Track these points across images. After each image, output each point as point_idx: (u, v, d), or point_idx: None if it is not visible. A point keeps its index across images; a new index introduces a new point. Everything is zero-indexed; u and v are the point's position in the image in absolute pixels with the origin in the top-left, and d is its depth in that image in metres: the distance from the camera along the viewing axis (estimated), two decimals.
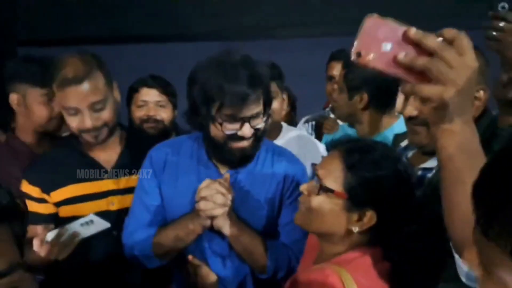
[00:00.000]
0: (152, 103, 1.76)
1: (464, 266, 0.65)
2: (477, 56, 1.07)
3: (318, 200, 0.87)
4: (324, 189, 0.86)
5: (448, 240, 0.66)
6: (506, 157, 0.43)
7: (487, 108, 1.11)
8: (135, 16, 3.88)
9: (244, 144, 1.06)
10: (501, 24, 1.05)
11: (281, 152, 1.25)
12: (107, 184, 1.29)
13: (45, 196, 1.26)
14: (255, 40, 4.55)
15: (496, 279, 0.40)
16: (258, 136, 1.08)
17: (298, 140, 1.63)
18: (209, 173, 1.15)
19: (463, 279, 0.66)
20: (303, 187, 0.93)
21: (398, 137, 1.34)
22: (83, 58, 1.21)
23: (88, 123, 1.20)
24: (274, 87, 1.54)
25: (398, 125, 1.42)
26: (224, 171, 1.16)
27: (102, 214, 1.21)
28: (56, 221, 1.27)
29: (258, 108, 1.05)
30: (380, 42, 0.55)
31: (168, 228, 1.16)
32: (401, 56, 0.54)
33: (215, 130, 1.06)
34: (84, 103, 1.18)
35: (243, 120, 1.03)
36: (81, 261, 1.22)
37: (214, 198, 1.02)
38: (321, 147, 1.67)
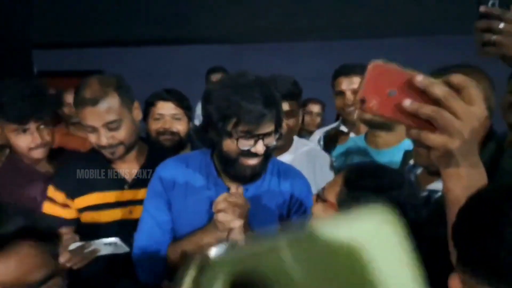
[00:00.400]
0: (168, 116, 1.81)
1: None
2: (481, 79, 1.07)
3: (316, 208, 0.96)
4: (321, 198, 0.94)
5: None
6: (477, 202, 0.54)
7: (493, 130, 1.11)
8: (148, 19, 3.93)
9: (255, 161, 1.11)
10: (501, 25, 0.90)
11: (287, 170, 1.30)
12: (127, 195, 1.38)
13: (69, 201, 1.36)
14: (265, 43, 4.59)
15: None
16: (267, 154, 1.13)
17: (308, 155, 1.66)
18: (218, 190, 1.18)
19: None
20: (314, 196, 1.01)
21: (407, 154, 1.35)
22: (101, 80, 1.31)
23: (104, 140, 1.30)
24: (294, 105, 1.58)
25: (408, 142, 1.45)
26: (234, 187, 1.17)
27: (121, 222, 1.33)
28: (78, 226, 1.37)
29: (271, 127, 1.09)
30: (385, 89, 0.54)
31: (182, 243, 1.19)
32: (407, 103, 0.53)
33: (228, 146, 1.09)
34: (99, 122, 1.28)
35: (258, 138, 1.07)
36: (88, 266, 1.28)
37: (232, 210, 1.05)
38: (329, 161, 1.69)
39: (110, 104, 1.28)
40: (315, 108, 2.76)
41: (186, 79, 3.98)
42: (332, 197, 0.92)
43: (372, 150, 1.61)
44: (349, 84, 1.93)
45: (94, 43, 4.44)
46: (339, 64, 2.08)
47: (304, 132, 2.82)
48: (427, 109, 0.53)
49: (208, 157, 1.23)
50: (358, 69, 1.92)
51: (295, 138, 1.73)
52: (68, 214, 1.36)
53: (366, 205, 0.83)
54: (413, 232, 0.85)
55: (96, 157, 1.39)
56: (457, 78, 0.54)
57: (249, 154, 1.09)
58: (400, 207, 0.81)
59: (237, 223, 1.07)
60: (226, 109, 1.05)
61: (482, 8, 0.92)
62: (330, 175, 1.62)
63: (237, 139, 1.06)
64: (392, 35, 4.38)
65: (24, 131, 1.41)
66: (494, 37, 0.91)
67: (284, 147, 1.63)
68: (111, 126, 1.29)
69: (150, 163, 1.40)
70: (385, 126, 1.53)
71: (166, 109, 1.82)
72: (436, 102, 0.53)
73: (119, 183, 1.38)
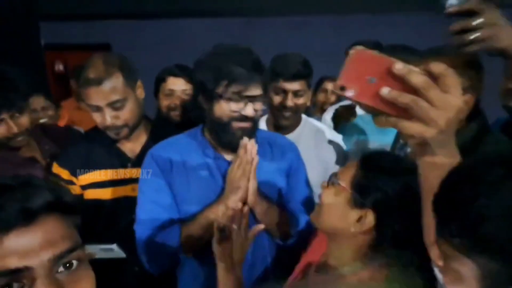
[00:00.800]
0: (179, 92, 1.79)
1: (439, 274, 0.68)
2: (470, 64, 1.02)
3: (327, 193, 0.95)
4: (333, 181, 0.94)
5: None
6: (460, 173, 0.58)
7: (480, 111, 1.09)
8: None
9: (246, 125, 1.15)
10: (478, 20, 0.80)
11: (274, 139, 1.35)
12: (130, 172, 1.39)
13: (73, 178, 1.37)
14: (277, 16, 4.47)
15: (452, 270, 0.59)
16: (256, 119, 1.18)
17: (315, 134, 1.68)
18: (218, 163, 1.22)
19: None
20: (322, 184, 0.99)
21: (399, 134, 1.37)
22: (106, 59, 1.31)
23: (108, 120, 1.31)
24: (303, 85, 1.57)
25: None
26: (230, 158, 1.22)
27: (124, 199, 1.35)
28: (82, 203, 1.37)
29: (259, 91, 1.14)
30: (364, 76, 0.53)
31: (195, 222, 1.17)
32: (385, 91, 0.52)
33: (220, 109, 1.14)
34: (103, 102, 1.29)
35: (247, 100, 1.12)
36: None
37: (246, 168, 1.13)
38: (337, 140, 1.70)
39: (114, 84, 1.28)
40: (330, 85, 2.68)
41: (195, 53, 3.91)
42: (346, 179, 0.92)
43: (378, 129, 1.62)
44: None
45: (102, 16, 4.36)
46: (354, 39, 2.02)
47: (317, 110, 2.76)
48: (404, 98, 0.52)
49: (199, 134, 1.26)
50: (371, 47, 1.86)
51: (303, 117, 1.72)
52: (72, 190, 1.36)
53: (380, 189, 0.84)
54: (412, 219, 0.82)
55: (100, 136, 1.39)
56: (435, 67, 0.53)
57: (239, 117, 1.14)
58: (414, 191, 0.81)
59: (252, 184, 1.13)
60: (218, 73, 1.11)
61: (449, 9, 0.82)
62: (335, 154, 1.64)
63: (229, 100, 1.12)
64: (406, 9, 4.24)
65: None
66: (474, 35, 0.81)
67: (291, 126, 1.66)
68: (115, 106, 1.30)
69: (153, 141, 1.39)
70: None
71: (177, 85, 1.80)
72: (414, 90, 0.52)
73: (122, 161, 1.40)
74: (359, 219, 0.88)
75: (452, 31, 0.83)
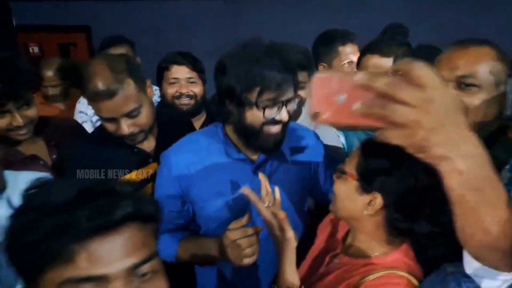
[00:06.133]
0: (183, 80, 1.80)
1: (472, 262, 0.64)
2: (490, 54, 1.01)
3: (337, 184, 0.98)
4: (340, 171, 0.97)
5: None
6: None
7: (502, 111, 1.06)
8: None
9: (278, 129, 1.10)
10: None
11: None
12: (153, 167, 1.36)
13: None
14: None
15: None
16: (288, 121, 1.12)
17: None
18: (242, 163, 1.18)
19: (468, 271, 0.67)
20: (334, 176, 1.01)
21: None
22: (111, 64, 1.19)
23: (125, 130, 1.23)
24: (305, 77, 1.54)
25: None
26: (255, 157, 1.19)
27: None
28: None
29: (292, 92, 1.08)
30: (332, 97, 0.51)
31: (195, 243, 1.17)
32: (356, 107, 0.49)
33: (252, 116, 1.07)
34: (118, 114, 1.21)
35: (282, 104, 1.06)
36: None
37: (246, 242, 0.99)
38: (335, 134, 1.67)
39: (127, 93, 1.18)
40: (321, 68, 2.73)
41: (180, 37, 3.84)
42: (351, 168, 0.95)
43: None
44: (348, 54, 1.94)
45: None
46: (344, 22, 2.04)
47: None
48: (373, 108, 0.48)
49: (220, 133, 1.20)
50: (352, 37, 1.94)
51: (304, 110, 1.70)
52: None
53: (384, 175, 0.88)
54: (427, 195, 0.88)
55: (118, 139, 1.31)
56: (401, 65, 0.48)
57: (273, 122, 1.08)
58: (418, 175, 0.87)
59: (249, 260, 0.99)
60: (248, 79, 1.03)
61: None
62: (334, 148, 1.60)
63: (264, 108, 1.05)
64: None
65: (2, 113, 1.31)
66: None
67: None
68: (131, 115, 1.22)
69: (162, 129, 1.40)
70: None
71: (180, 73, 1.80)
72: (387, 97, 0.48)
73: (144, 158, 1.36)
74: (369, 203, 0.92)
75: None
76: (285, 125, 1.11)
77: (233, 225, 1.01)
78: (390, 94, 0.47)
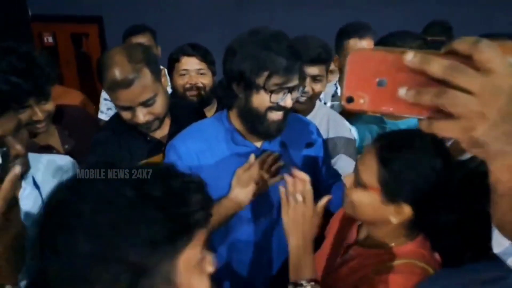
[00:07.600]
0: (193, 71, 1.83)
1: (503, 241, 0.61)
2: None
3: (357, 194, 0.92)
4: (360, 184, 0.91)
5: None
6: None
7: None
8: None
9: (280, 115, 1.12)
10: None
11: (297, 121, 1.32)
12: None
13: None
14: None
15: None
16: (290, 108, 1.14)
17: (328, 121, 1.65)
18: (247, 150, 1.20)
19: (496, 250, 0.65)
20: (345, 180, 0.97)
21: None
22: (129, 54, 1.22)
23: (140, 118, 1.27)
24: (322, 70, 1.55)
25: None
26: (259, 144, 1.22)
27: None
28: None
29: (297, 80, 1.11)
30: (372, 80, 0.43)
31: None
32: (402, 93, 0.42)
33: (258, 100, 1.10)
34: (135, 102, 1.25)
35: (288, 91, 1.09)
36: None
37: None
38: (348, 128, 1.66)
39: (143, 82, 1.23)
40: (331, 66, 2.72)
41: (188, 28, 3.88)
42: (372, 180, 0.89)
43: (388, 121, 1.58)
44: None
45: None
46: (353, 18, 2.01)
47: None
48: (428, 95, 0.41)
49: (225, 120, 1.22)
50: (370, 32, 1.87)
51: (317, 103, 1.70)
52: None
53: (409, 185, 0.84)
54: (445, 195, 0.87)
55: (129, 126, 1.34)
56: (461, 44, 0.40)
57: (277, 108, 1.11)
58: (438, 175, 0.85)
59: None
60: (258, 63, 1.05)
61: None
62: (346, 141, 1.61)
63: (271, 92, 1.08)
64: None
65: (23, 108, 1.30)
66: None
67: (305, 111, 1.62)
68: (147, 104, 1.26)
69: (175, 118, 1.44)
70: None
71: (190, 64, 1.83)
72: (441, 81, 0.40)
73: (159, 147, 1.39)
74: (396, 211, 0.88)
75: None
76: (286, 112, 1.14)
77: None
78: (448, 79, 0.40)
